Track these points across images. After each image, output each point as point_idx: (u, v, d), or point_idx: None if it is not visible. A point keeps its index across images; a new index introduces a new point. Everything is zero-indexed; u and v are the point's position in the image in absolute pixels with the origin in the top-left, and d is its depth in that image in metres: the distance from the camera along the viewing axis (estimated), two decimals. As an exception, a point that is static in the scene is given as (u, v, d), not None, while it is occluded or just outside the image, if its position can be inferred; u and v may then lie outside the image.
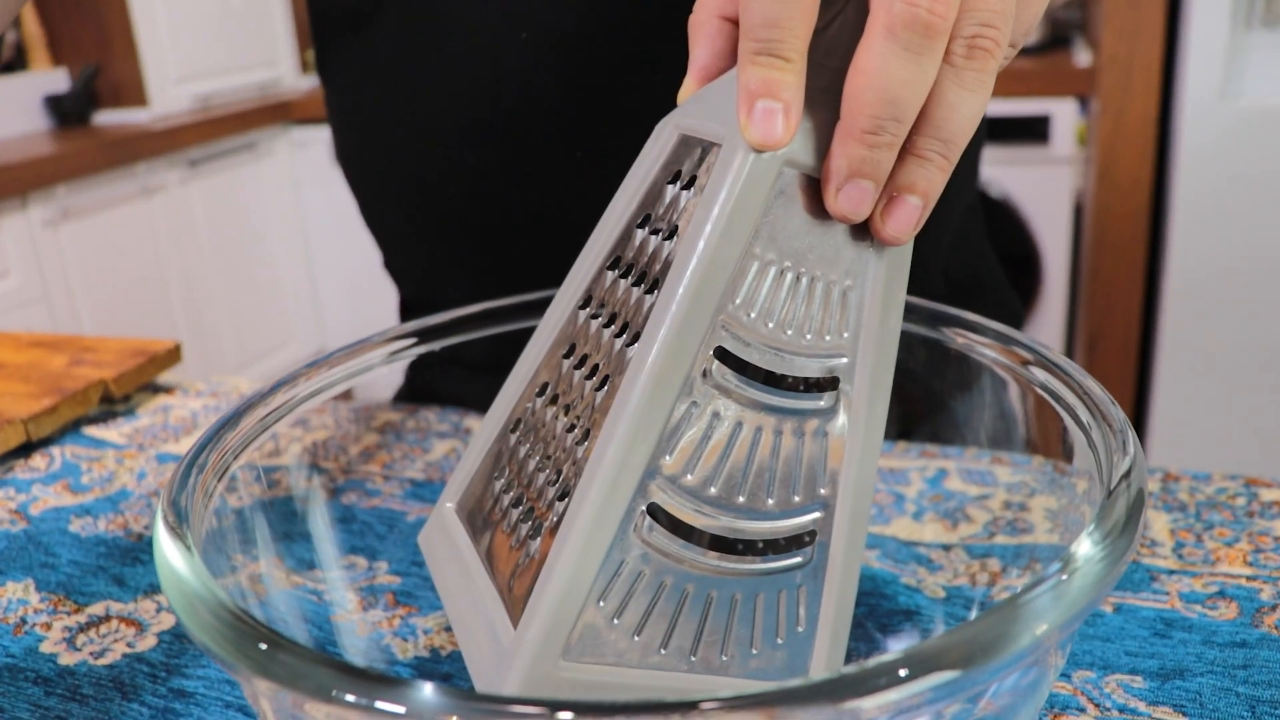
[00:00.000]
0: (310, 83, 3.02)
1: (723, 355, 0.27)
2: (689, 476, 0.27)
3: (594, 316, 0.30)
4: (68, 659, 0.39)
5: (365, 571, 0.42)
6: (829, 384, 0.28)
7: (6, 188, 2.02)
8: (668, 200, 0.29)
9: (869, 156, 0.25)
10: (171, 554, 0.26)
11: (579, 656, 0.25)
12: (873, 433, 0.28)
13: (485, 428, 0.33)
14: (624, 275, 0.30)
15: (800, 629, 0.28)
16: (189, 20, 2.61)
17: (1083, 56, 1.96)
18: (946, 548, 0.41)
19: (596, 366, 0.29)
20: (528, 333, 0.34)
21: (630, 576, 0.26)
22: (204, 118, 2.48)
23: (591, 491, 0.25)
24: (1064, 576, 0.22)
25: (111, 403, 0.64)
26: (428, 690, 0.20)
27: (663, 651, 0.26)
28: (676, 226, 0.28)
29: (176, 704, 0.36)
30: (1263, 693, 0.33)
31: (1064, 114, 2.03)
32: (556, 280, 0.34)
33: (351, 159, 0.60)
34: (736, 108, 0.25)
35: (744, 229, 0.26)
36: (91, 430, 0.61)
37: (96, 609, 0.43)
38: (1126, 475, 0.26)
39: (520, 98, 0.51)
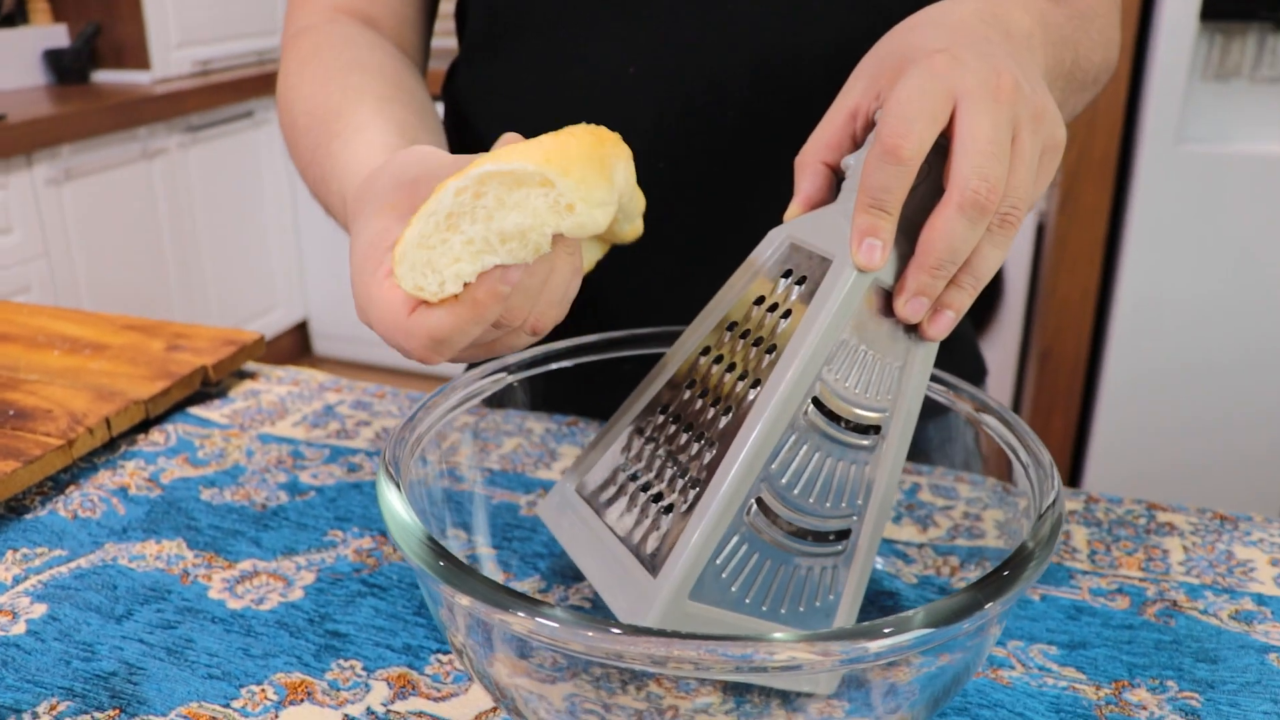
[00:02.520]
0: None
1: (815, 402, 0.39)
2: (782, 481, 0.39)
3: (715, 362, 0.42)
4: (234, 604, 0.50)
5: (466, 543, 0.54)
6: (874, 429, 0.40)
7: (14, 145, 2.08)
8: (780, 289, 0.41)
9: (931, 283, 0.38)
10: (393, 497, 0.38)
11: (698, 598, 0.37)
12: (897, 465, 0.40)
13: (609, 432, 0.45)
14: (742, 336, 0.42)
15: (831, 596, 0.40)
16: (191, -15, 2.65)
17: (1052, 87, 2.08)
18: (919, 546, 0.53)
19: (718, 398, 0.41)
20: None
21: (735, 547, 0.38)
22: (204, 84, 2.53)
23: (725, 485, 0.37)
24: (1006, 573, 0.34)
25: (206, 385, 0.74)
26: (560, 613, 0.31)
27: (747, 600, 0.38)
28: (789, 310, 0.40)
29: (335, 642, 0.47)
30: (1139, 660, 0.46)
31: (1031, 139, 2.17)
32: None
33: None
34: (850, 239, 0.38)
35: (845, 319, 0.39)
36: (196, 410, 0.71)
37: (245, 565, 0.54)
38: (1051, 506, 0.38)
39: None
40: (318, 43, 0.60)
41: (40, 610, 0.50)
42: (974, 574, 0.50)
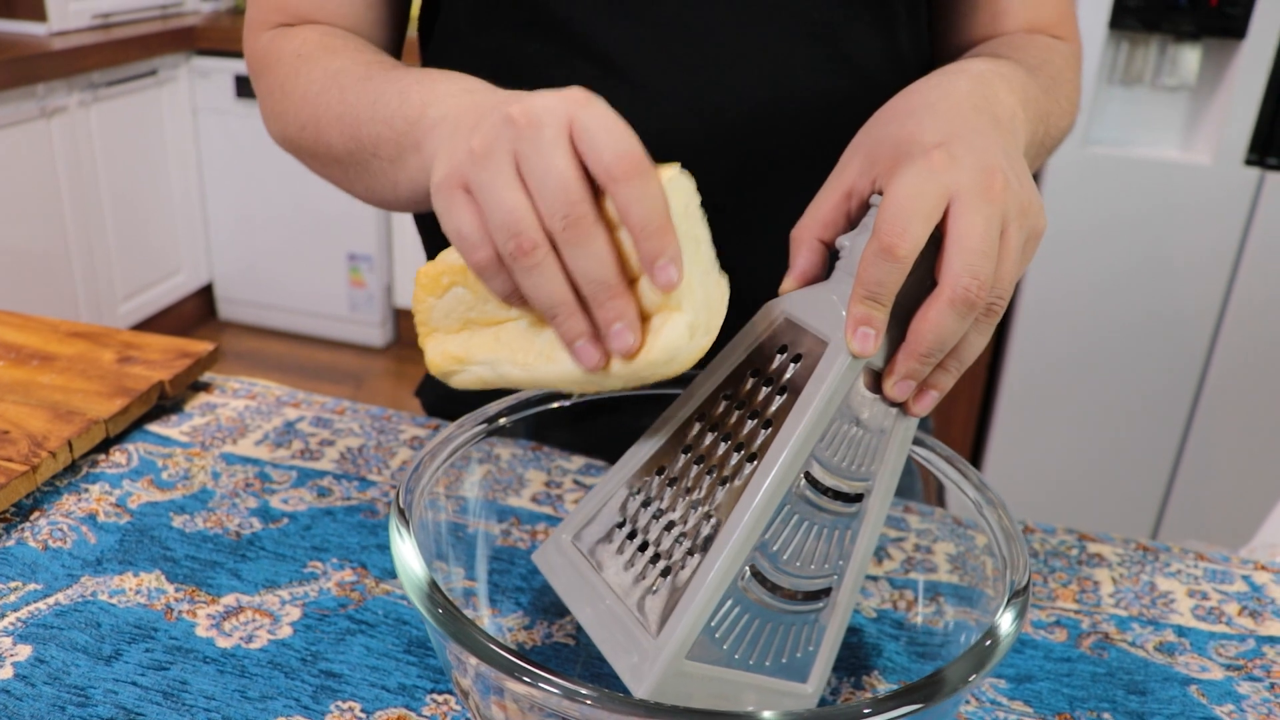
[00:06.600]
0: (211, 7, 2.95)
1: (805, 475, 0.42)
2: (773, 549, 0.42)
3: (711, 430, 0.45)
4: (224, 643, 0.51)
5: (446, 575, 0.55)
6: (857, 499, 0.43)
7: (-102, 100, 1.96)
8: (775, 364, 0.44)
9: (919, 369, 0.42)
10: (407, 549, 0.41)
11: (693, 657, 0.40)
12: (876, 528, 0.44)
13: (604, 486, 0.47)
14: (738, 407, 0.44)
15: (811, 648, 0.43)
16: (89, -69, 2.52)
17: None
18: (875, 579, 0.57)
19: (713, 468, 0.43)
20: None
21: (729, 610, 0.41)
22: (105, 39, 2.42)
23: (723, 557, 0.40)
24: (987, 643, 0.38)
25: (162, 399, 0.74)
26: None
27: (736, 656, 0.41)
28: (785, 386, 0.43)
29: (331, 683, 0.49)
30: (1078, 692, 0.51)
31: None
32: None
33: None
34: (845, 326, 0.41)
35: (837, 401, 0.42)
36: (154, 427, 0.71)
37: (228, 600, 0.54)
38: (1023, 591, 0.42)
39: None
40: (305, 38, 0.61)
41: (26, 652, 0.50)
42: (930, 609, 0.54)
